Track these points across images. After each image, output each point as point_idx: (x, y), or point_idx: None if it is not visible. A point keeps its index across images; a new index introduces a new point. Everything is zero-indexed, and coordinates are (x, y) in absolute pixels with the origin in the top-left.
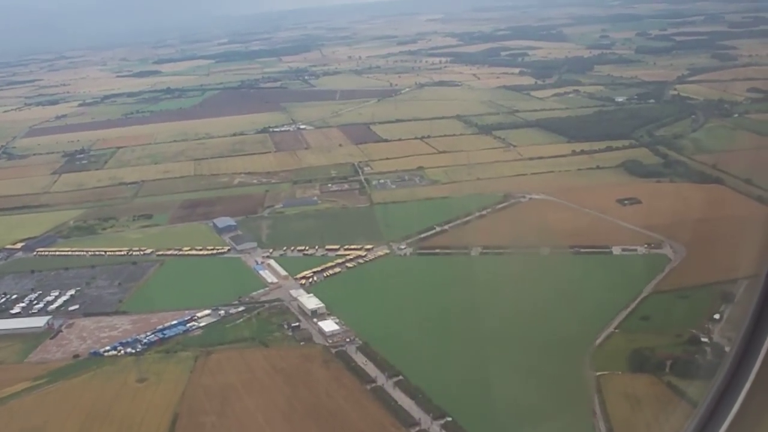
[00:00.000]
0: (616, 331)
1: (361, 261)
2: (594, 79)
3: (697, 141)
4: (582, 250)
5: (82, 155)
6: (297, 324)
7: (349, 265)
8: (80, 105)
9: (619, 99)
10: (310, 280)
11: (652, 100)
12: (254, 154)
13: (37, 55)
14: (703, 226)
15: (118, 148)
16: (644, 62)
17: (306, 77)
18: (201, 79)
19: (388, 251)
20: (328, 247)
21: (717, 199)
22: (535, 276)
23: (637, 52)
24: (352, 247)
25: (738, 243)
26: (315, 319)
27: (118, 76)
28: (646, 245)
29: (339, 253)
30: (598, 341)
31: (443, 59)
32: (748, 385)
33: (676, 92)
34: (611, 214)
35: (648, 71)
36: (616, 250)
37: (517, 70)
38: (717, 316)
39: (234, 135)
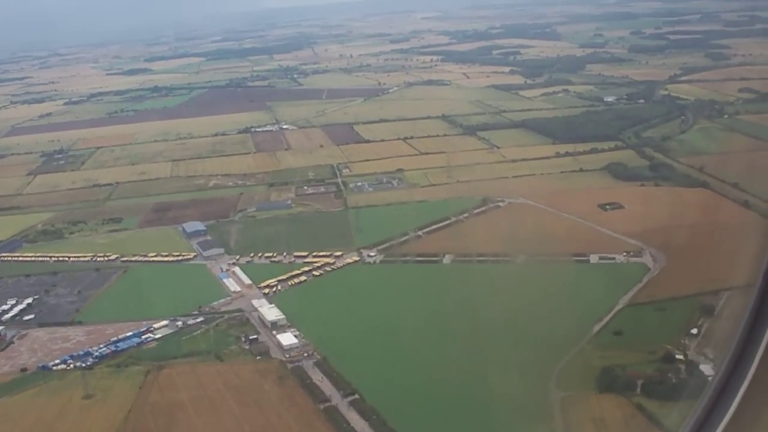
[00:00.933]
0: (587, 347)
1: (328, 269)
2: (585, 79)
3: (685, 143)
4: (558, 258)
5: (60, 155)
6: (255, 337)
7: (315, 273)
8: (66, 103)
9: (608, 99)
10: (274, 289)
11: (641, 100)
12: (233, 155)
13: (32, 52)
14: (686, 232)
15: (98, 148)
16: (637, 61)
17: (295, 75)
18: (190, 78)
19: (357, 258)
20: (296, 253)
21: (702, 204)
22: (505, 286)
23: (630, 51)
24: (321, 253)
25: (721, 251)
26: (274, 332)
27: (108, 74)
28: (625, 253)
29: (307, 260)
30: (567, 358)
31: (434, 58)
32: (745, 384)
33: (666, 92)
34: (591, 219)
35: (640, 70)
36: (594, 259)
37: (507, 69)
38: (694, 331)
39: (215, 135)
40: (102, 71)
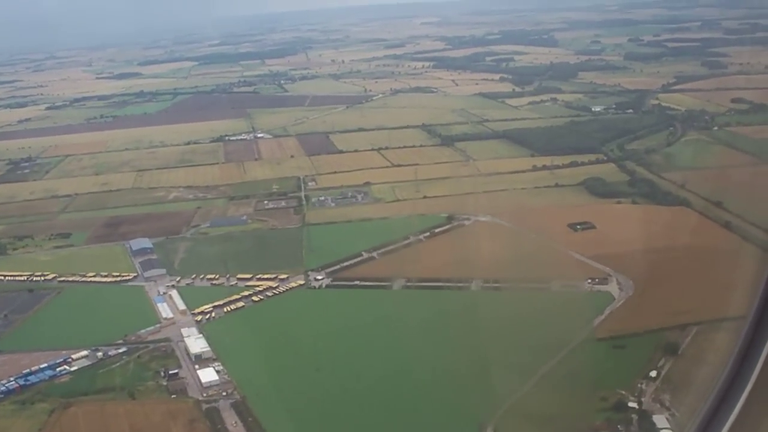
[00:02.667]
0: (531, 391)
1: (269, 294)
2: (575, 87)
3: (670, 156)
4: (516, 284)
5: (27, 164)
6: (176, 371)
7: (255, 298)
8: (48, 108)
9: (596, 108)
10: (208, 316)
11: (630, 110)
12: (201, 165)
13: (29, 54)
14: (658, 257)
15: (67, 156)
16: (631, 69)
17: (282, 81)
18: (178, 83)
19: (302, 282)
20: (239, 276)
21: (680, 225)
22: (452, 318)
23: (626, 59)
24: (266, 276)
25: (695, 279)
26: (196, 366)
27: (97, 78)
28: (590, 280)
29: (250, 283)
30: (506, 406)
31: (426, 64)
32: (749, 386)
33: (657, 102)
34: (559, 240)
35: (633, 79)
36: (556, 286)
37: (497, 77)
38: (653, 374)
39: (187, 144)
40: (93, 75)
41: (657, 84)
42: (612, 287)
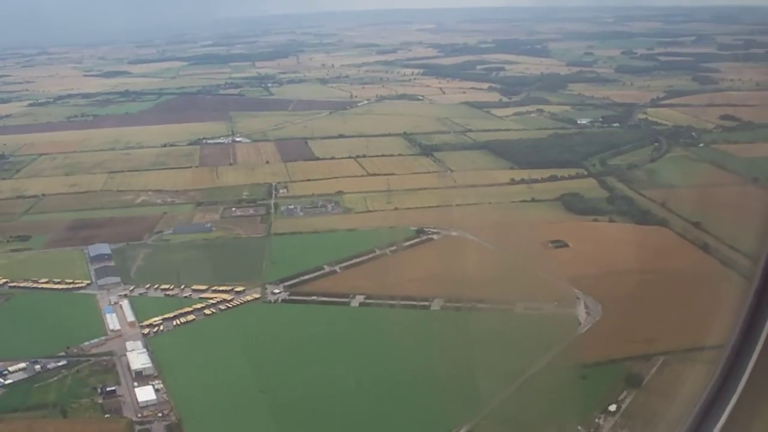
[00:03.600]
0: (477, 429)
1: (222, 307)
2: (563, 98)
3: (653, 173)
4: (479, 305)
5: None
6: (113, 389)
7: (207, 311)
8: (30, 105)
9: (582, 121)
10: (156, 329)
11: (616, 124)
12: (174, 168)
13: (22, 49)
14: (630, 279)
15: (41, 155)
16: (621, 82)
17: (269, 84)
18: (165, 83)
19: (258, 296)
20: (195, 287)
21: (656, 246)
22: (404, 340)
23: (617, 71)
24: (221, 288)
25: (666, 305)
26: (136, 383)
27: (85, 75)
28: (556, 302)
29: (205, 295)
30: None
31: (416, 71)
32: (744, 379)
33: (645, 116)
34: (529, 258)
35: (622, 92)
36: (519, 307)
37: (486, 86)
38: (613, 408)
39: (164, 146)
40: (81, 72)
41: (646, 98)
42: (579, 311)
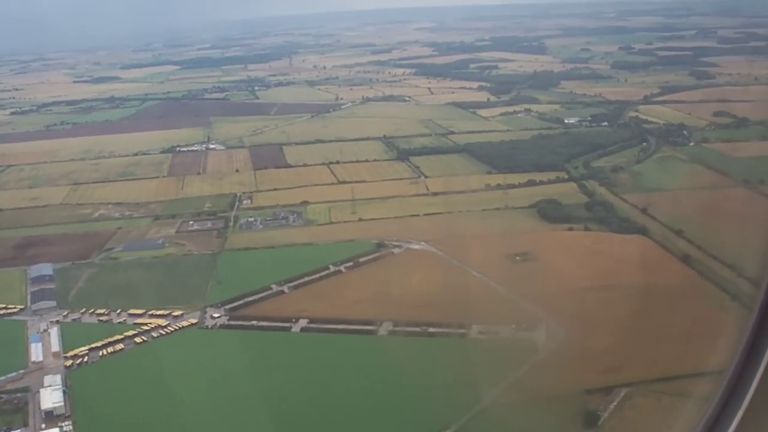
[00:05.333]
0: None
1: (155, 334)
2: (554, 97)
3: (637, 176)
4: (431, 328)
5: None
6: (19, 430)
7: (138, 339)
8: (13, 113)
9: (570, 120)
10: (80, 360)
11: (605, 123)
12: (141, 179)
13: (19, 56)
14: (598, 297)
15: (9, 166)
16: (615, 78)
17: (257, 88)
18: (153, 87)
19: (195, 321)
20: (132, 311)
21: (632, 258)
22: (341, 371)
23: (613, 67)
24: (159, 312)
25: (636, 327)
26: (43, 425)
27: (75, 82)
28: (515, 325)
29: (139, 320)
30: None
31: (407, 71)
32: (754, 385)
33: (636, 114)
34: (493, 274)
35: (615, 89)
36: (474, 331)
37: (476, 85)
38: None
39: (136, 155)
40: (72, 78)
41: (639, 95)
42: (538, 334)
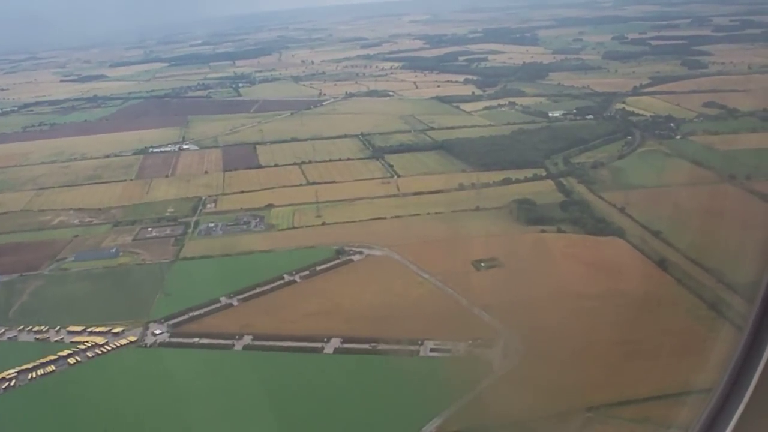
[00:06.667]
0: None
1: (91, 354)
2: (541, 89)
3: (618, 172)
4: (380, 345)
5: None
6: None
7: (72, 360)
8: None
9: (554, 114)
10: (6, 385)
11: (590, 116)
12: (108, 182)
13: (12, 54)
14: (564, 308)
15: None
16: (605, 69)
17: (241, 85)
18: (138, 86)
19: (135, 338)
20: (71, 328)
21: (604, 263)
22: (275, 397)
23: (604, 58)
24: (98, 329)
25: (600, 344)
26: None
27: (62, 81)
28: (470, 341)
29: (78, 338)
30: None
31: (395, 64)
32: (752, 386)
33: (623, 106)
34: (454, 283)
35: (604, 80)
36: (426, 348)
37: (462, 78)
38: None
39: (107, 156)
40: (60, 77)
41: (628, 86)
42: (495, 352)
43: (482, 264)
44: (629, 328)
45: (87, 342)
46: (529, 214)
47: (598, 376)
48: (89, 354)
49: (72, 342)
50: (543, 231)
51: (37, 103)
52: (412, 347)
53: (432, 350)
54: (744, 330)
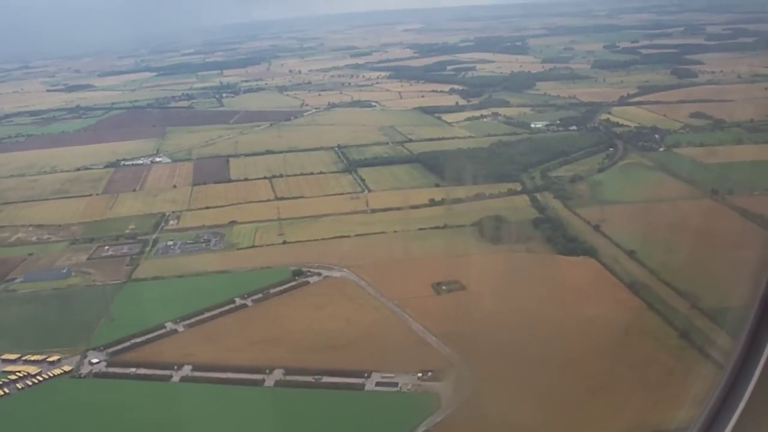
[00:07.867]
0: None
1: (20, 385)
2: (526, 99)
3: (596, 186)
4: (324, 378)
5: None
6: None
7: (0, 392)
8: None
9: (537, 125)
10: None
11: (573, 127)
12: (73, 197)
13: (5, 64)
14: (525, 337)
15: None
16: (593, 78)
17: (225, 95)
18: (124, 96)
19: (71, 368)
20: (5, 356)
21: (573, 286)
22: None
23: (593, 67)
24: (34, 358)
25: (560, 379)
26: None
27: (48, 91)
28: (420, 373)
29: (11, 367)
30: None
31: (382, 74)
32: (751, 386)
33: (608, 116)
34: (412, 308)
35: (591, 89)
36: (372, 382)
37: (448, 88)
38: None
39: (77, 170)
40: (47, 87)
41: (615, 95)
42: (445, 386)
43: (443, 287)
44: (593, 359)
45: (19, 372)
46: (499, 231)
47: (553, 415)
48: (19, 385)
49: (4, 371)
50: (511, 250)
51: (18, 114)
52: (357, 380)
53: (378, 384)
54: (744, 330)
